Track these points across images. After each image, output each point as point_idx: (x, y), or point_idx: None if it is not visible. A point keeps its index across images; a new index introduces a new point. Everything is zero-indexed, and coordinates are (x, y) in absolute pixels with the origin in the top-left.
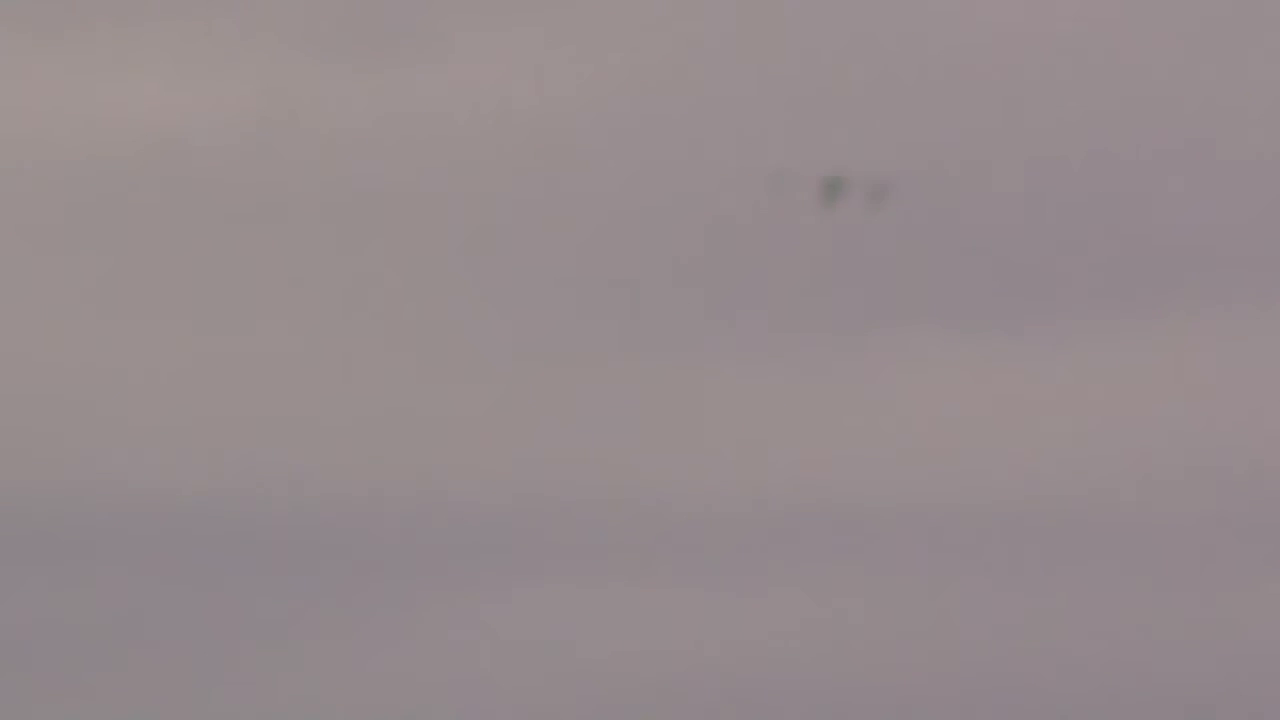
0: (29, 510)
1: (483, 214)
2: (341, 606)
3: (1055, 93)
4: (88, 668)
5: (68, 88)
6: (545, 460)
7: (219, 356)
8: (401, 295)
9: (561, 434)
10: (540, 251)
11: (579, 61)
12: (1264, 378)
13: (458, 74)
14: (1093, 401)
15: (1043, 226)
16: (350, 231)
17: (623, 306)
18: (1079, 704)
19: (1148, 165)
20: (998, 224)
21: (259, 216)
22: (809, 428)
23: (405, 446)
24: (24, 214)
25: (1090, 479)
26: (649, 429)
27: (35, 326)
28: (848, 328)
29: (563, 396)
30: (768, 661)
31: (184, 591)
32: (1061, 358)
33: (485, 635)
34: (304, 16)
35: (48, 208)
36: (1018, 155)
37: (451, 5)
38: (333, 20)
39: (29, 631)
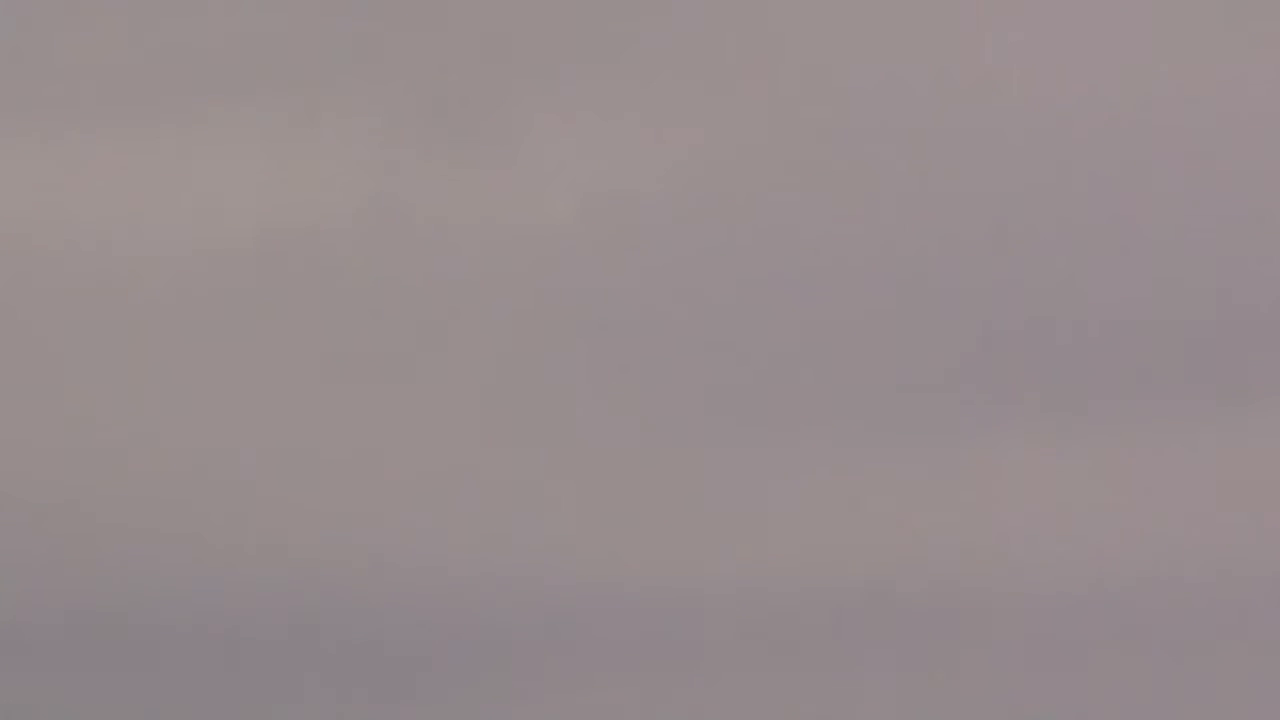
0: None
1: (583, 306)
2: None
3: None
4: None
5: (167, 179)
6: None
7: (322, 449)
8: (498, 387)
9: (652, 524)
10: (636, 343)
11: (670, 153)
12: None
13: (557, 166)
14: (1191, 496)
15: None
16: (452, 323)
17: (703, 399)
18: None
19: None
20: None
21: (361, 308)
22: (903, 516)
23: (507, 537)
24: (126, 305)
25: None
26: (737, 519)
27: (137, 418)
28: (937, 421)
29: (657, 489)
30: None
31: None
32: (1155, 450)
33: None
34: (404, 108)
35: (149, 298)
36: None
37: (548, 100)
38: (432, 111)
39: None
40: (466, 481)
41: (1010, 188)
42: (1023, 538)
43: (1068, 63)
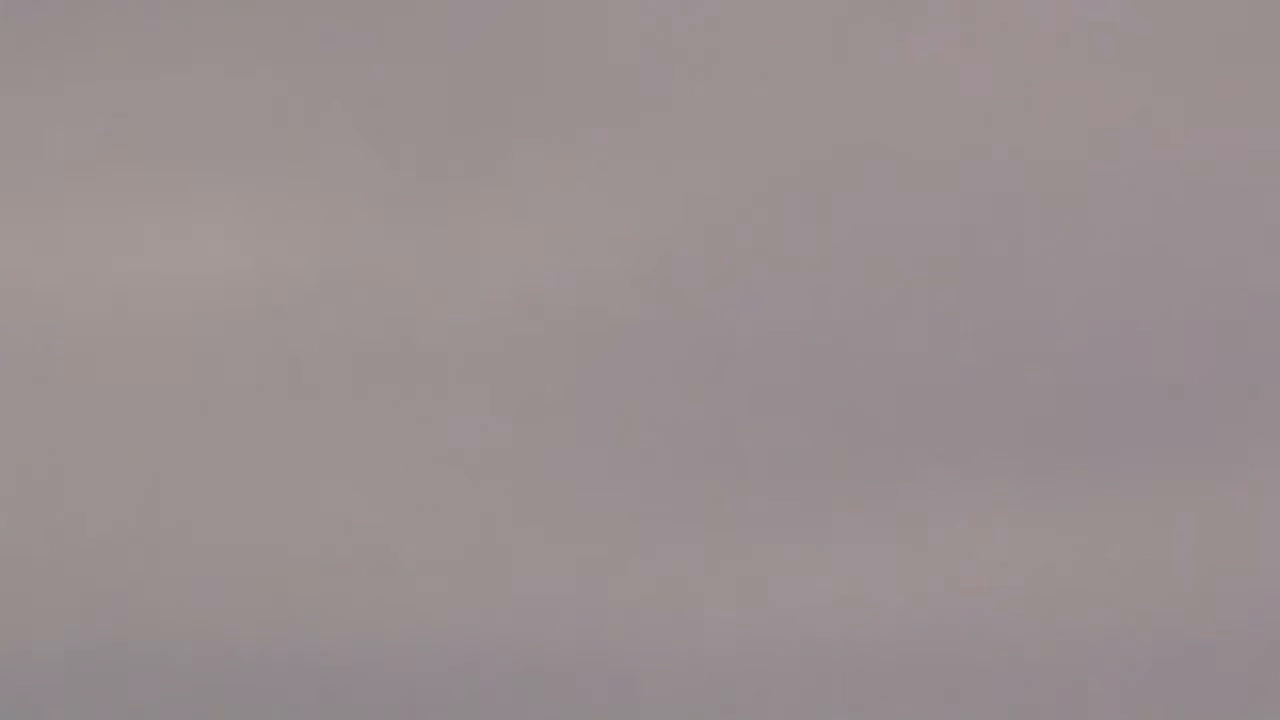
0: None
1: (575, 372)
2: None
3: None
4: None
5: (126, 247)
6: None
7: (298, 519)
8: (491, 456)
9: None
10: (631, 411)
11: (667, 223)
12: None
13: (555, 233)
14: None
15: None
16: (445, 388)
17: (667, 467)
18: None
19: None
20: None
21: (327, 375)
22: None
23: (500, 608)
24: (92, 377)
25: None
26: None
27: (109, 491)
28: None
29: (637, 560)
30: None
31: None
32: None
33: None
34: (398, 171)
35: (136, 366)
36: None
37: (548, 167)
38: (400, 173)
39: None
40: (460, 545)
41: (960, 246)
42: (984, 603)
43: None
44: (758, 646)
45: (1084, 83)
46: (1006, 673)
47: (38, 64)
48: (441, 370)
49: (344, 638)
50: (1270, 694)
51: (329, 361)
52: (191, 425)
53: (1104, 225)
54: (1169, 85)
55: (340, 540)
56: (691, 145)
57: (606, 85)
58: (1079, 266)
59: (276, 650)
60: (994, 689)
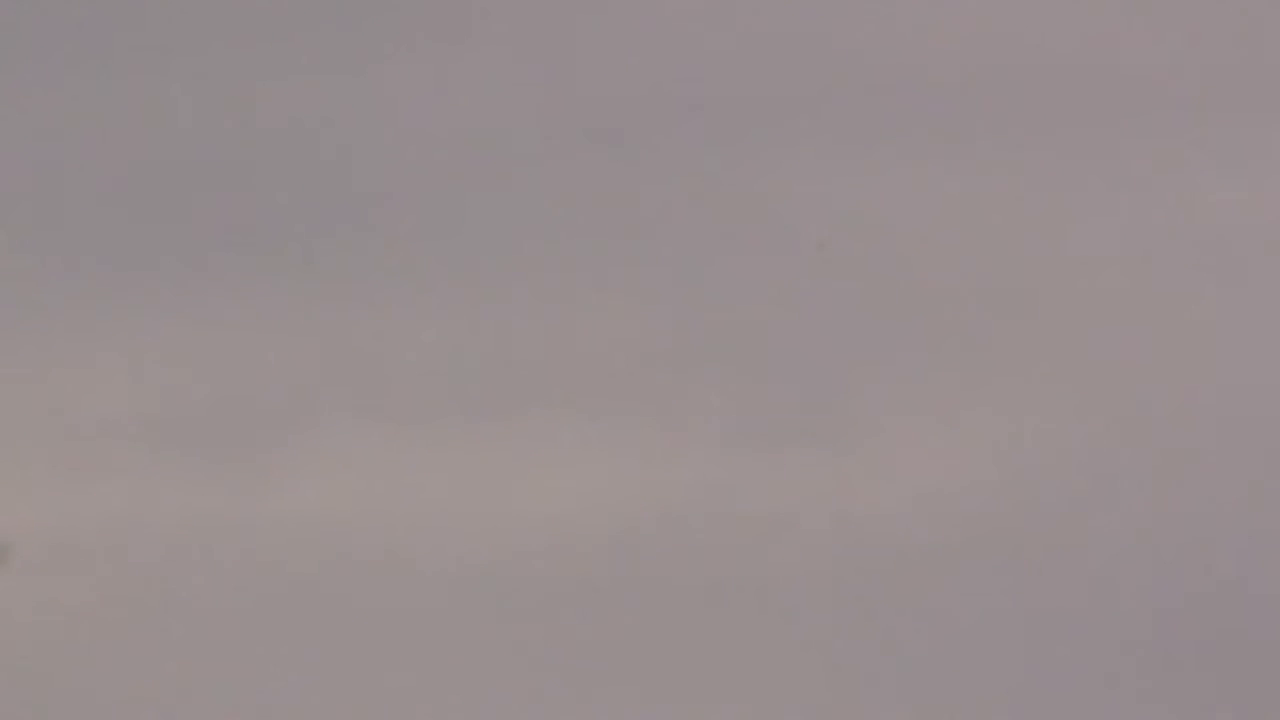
0: None
1: (925, 606)
2: None
3: None
4: None
5: (488, 485)
6: None
7: None
8: (830, 674)
9: None
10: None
11: (1019, 454)
12: None
13: (897, 466)
14: None
15: None
16: (786, 621)
17: None
18: None
19: None
20: None
21: (684, 611)
22: None
23: None
24: (458, 617)
25: None
26: None
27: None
28: None
29: None
30: None
31: None
32: None
33: None
34: (738, 413)
35: (477, 609)
36: None
37: (895, 401)
38: (766, 417)
39: None
40: None
41: None
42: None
43: None
44: None
45: None
46: None
47: (395, 304)
48: (796, 603)
49: None
50: None
51: (689, 597)
52: (558, 662)
53: None
54: None
55: None
56: (1037, 400)
57: (970, 335)
58: None
59: None
60: None
